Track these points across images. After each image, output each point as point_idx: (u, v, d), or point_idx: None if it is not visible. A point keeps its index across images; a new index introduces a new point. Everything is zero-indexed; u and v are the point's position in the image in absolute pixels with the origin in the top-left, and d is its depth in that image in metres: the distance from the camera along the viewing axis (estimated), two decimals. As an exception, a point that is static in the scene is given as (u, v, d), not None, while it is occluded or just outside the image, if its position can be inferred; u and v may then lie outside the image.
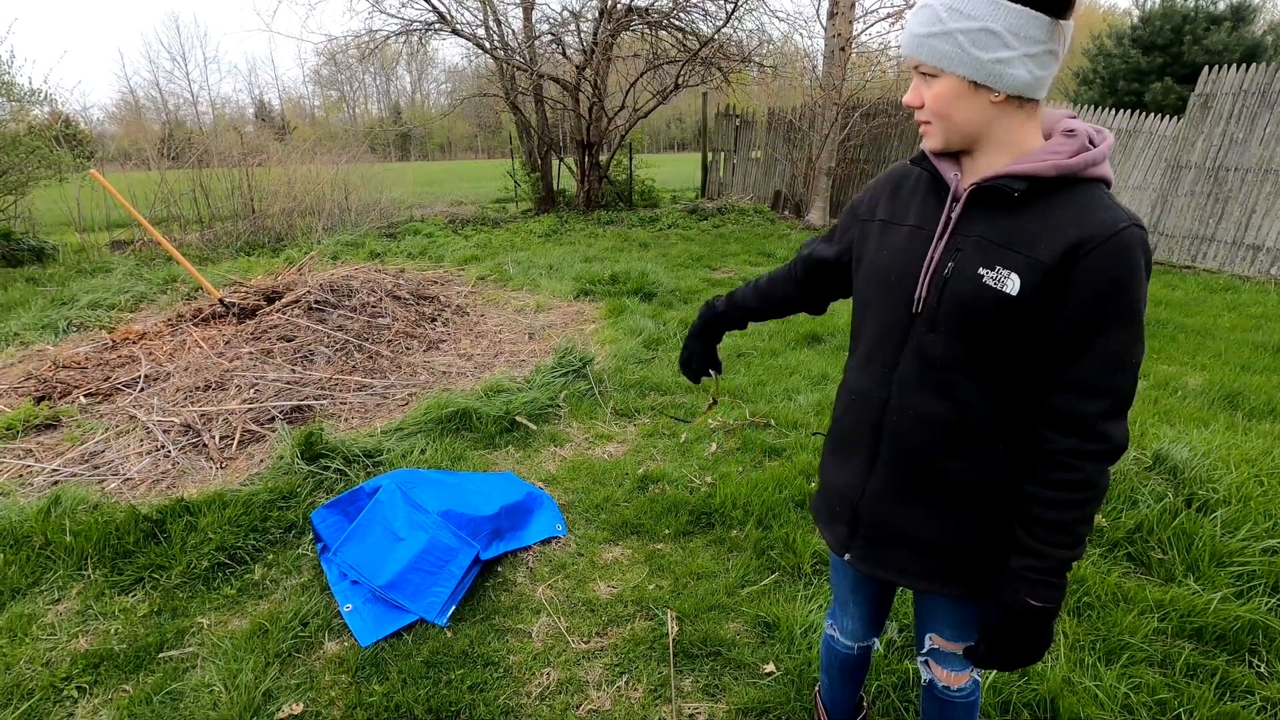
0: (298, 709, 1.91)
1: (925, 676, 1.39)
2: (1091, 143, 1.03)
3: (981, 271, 1.02)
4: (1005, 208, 1.03)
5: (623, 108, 11.90)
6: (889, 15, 10.24)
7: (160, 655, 2.13)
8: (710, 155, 14.33)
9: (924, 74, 1.03)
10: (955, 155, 1.09)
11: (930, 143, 1.07)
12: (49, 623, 2.29)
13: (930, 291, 1.07)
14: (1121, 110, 8.55)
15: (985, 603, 1.14)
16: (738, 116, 13.51)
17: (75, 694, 1.99)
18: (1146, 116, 8.32)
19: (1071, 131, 1.04)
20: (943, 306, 1.06)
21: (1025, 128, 1.03)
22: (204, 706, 1.93)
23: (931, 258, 1.07)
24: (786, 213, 12.01)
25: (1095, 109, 8.78)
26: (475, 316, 5.83)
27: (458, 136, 51.61)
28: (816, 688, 1.69)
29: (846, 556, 1.27)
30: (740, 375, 4.31)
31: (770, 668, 2.02)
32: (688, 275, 7.28)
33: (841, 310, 5.68)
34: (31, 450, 3.46)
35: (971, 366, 1.06)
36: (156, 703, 1.95)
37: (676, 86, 11.51)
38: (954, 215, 1.06)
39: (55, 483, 3.13)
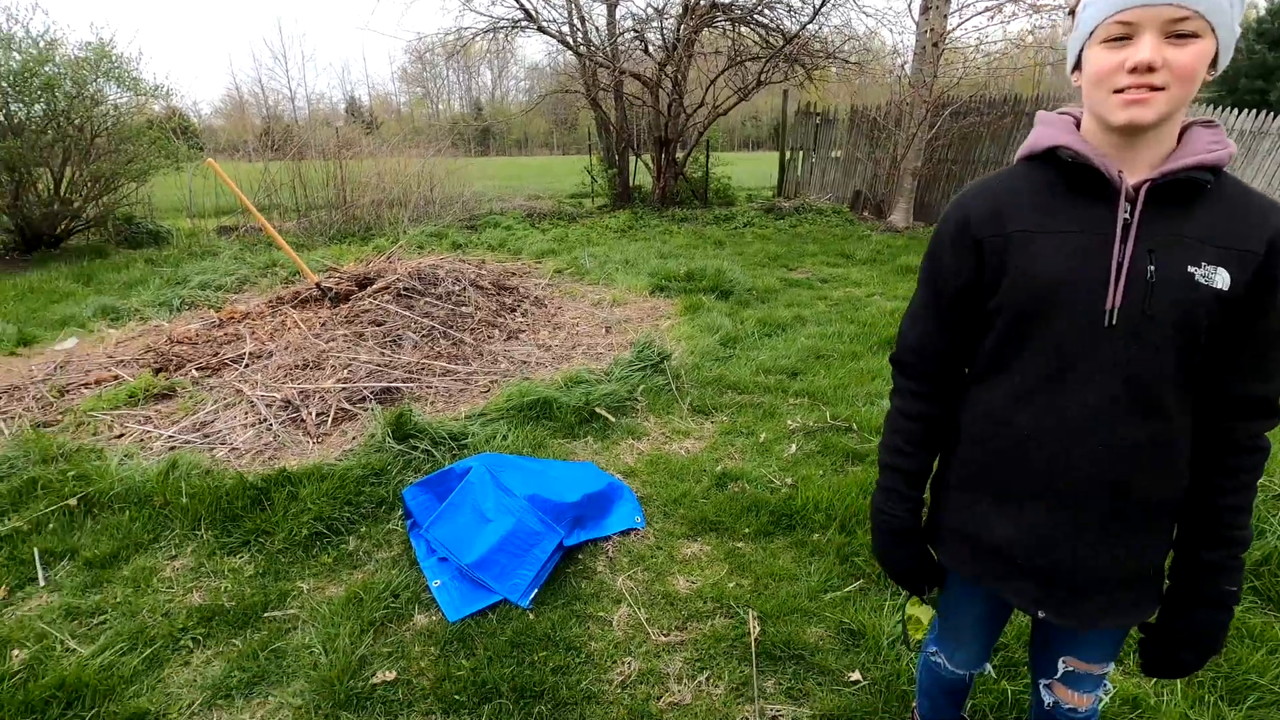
0: (390, 676, 1.99)
1: (1047, 700, 1.31)
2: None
3: (1191, 270, 0.96)
4: (1182, 202, 0.98)
5: (702, 104, 11.84)
6: (987, 9, 9.79)
7: (265, 615, 2.26)
8: (788, 154, 14.09)
9: (1180, 33, 0.91)
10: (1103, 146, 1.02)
11: (1148, 112, 0.93)
12: (167, 576, 2.46)
13: (1128, 300, 0.98)
14: (1245, 111, 7.89)
15: (1170, 610, 1.13)
16: (818, 114, 13.23)
17: (191, 644, 2.14)
18: (1275, 117, 7.65)
19: (1210, 122, 1.02)
20: (1152, 314, 0.97)
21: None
22: (305, 666, 2.03)
23: (1120, 263, 0.98)
24: (866, 214, 11.68)
25: (1214, 108, 8.14)
26: (553, 308, 5.93)
27: (534, 133, 52.63)
28: (914, 705, 1.63)
29: (1041, 614, 1.13)
30: (821, 377, 4.22)
31: (856, 676, 1.97)
32: (764, 274, 7.18)
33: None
34: (151, 417, 3.73)
35: (1179, 375, 1.00)
36: (263, 659, 2.07)
37: (759, 83, 11.36)
38: (1135, 214, 0.98)
39: (172, 448, 3.37)
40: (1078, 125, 1.07)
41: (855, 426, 3.53)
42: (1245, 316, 0.98)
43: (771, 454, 3.31)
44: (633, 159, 13.21)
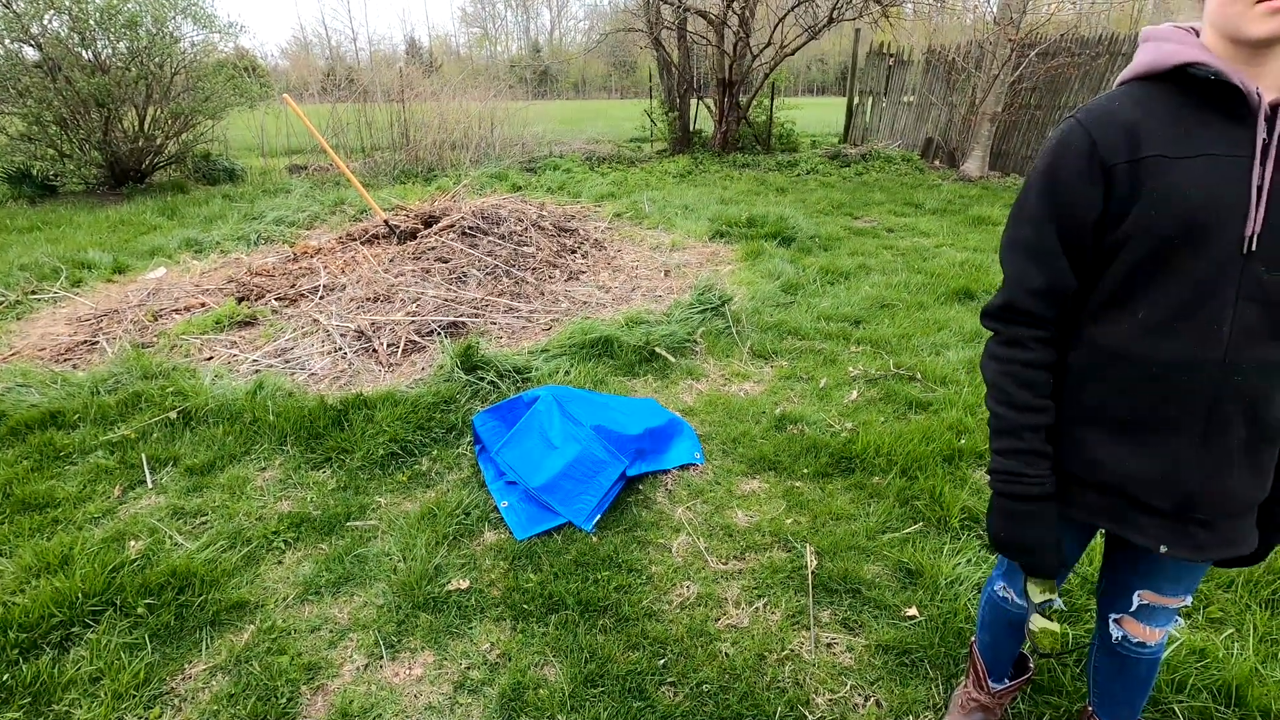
0: (464, 584, 2.12)
1: (1115, 635, 1.32)
2: None
3: None
4: None
5: (768, 44, 11.37)
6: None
7: (348, 524, 2.42)
8: (857, 98, 13.48)
9: None
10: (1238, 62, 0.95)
11: None
12: (259, 485, 2.65)
13: (1268, 225, 0.94)
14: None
15: None
16: (891, 55, 12.54)
17: (283, 546, 2.32)
18: None
19: None
20: None
21: None
22: (386, 570, 2.19)
23: (1261, 186, 0.94)
24: (938, 162, 11.14)
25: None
26: (612, 251, 5.93)
27: (592, 76, 51.66)
28: (973, 640, 1.64)
29: (1164, 550, 1.10)
30: (885, 326, 4.14)
31: (912, 611, 2.00)
32: (828, 222, 6.99)
33: (995, 268, 5.26)
34: (236, 342, 3.96)
35: None
36: (348, 562, 2.23)
37: (830, 21, 10.81)
38: (1275, 134, 0.93)
39: (256, 371, 3.58)
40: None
41: (920, 376, 3.47)
42: None
43: (831, 399, 3.29)
44: (694, 102, 12.86)
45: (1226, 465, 1.05)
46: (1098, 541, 1.91)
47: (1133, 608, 1.27)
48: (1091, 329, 1.10)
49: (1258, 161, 0.94)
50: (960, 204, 7.88)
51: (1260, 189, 0.94)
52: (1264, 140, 0.94)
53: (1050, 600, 1.23)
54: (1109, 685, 1.41)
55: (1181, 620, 1.30)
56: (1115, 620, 1.31)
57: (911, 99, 12.32)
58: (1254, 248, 0.95)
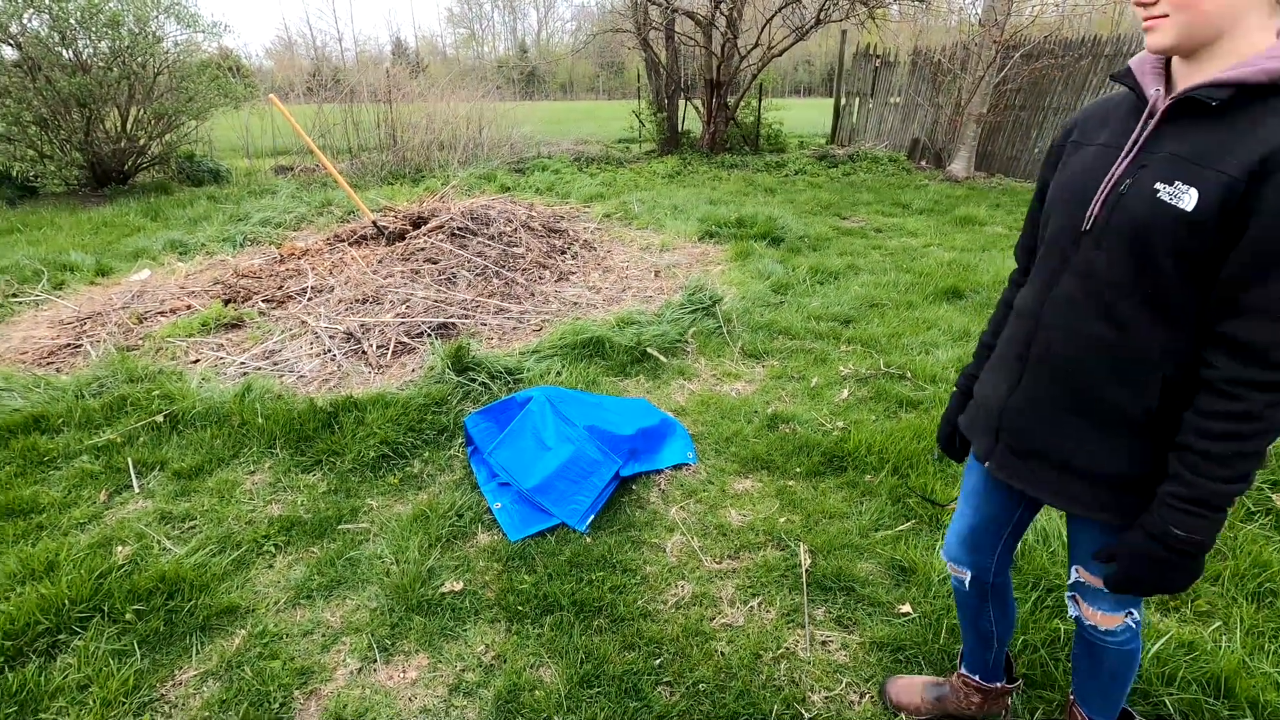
0: (458, 586, 2.11)
1: (1072, 612, 1.35)
2: None
3: (1158, 187, 0.98)
4: (1204, 121, 0.97)
5: (756, 45, 11.41)
6: (1070, -60, 9.08)
7: (339, 527, 2.40)
8: (844, 99, 13.55)
9: None
10: (1165, 69, 1.04)
11: (1159, 39, 0.97)
12: (248, 489, 2.63)
13: (1102, 209, 1.05)
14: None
15: (1127, 527, 1.12)
16: (878, 57, 12.62)
17: (273, 550, 2.30)
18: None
19: None
20: (1111, 224, 1.03)
21: (1265, 30, 0.94)
22: (379, 573, 2.17)
23: (1112, 175, 1.04)
24: (924, 163, 11.23)
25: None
26: (602, 252, 5.93)
27: (579, 77, 51.58)
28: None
29: (987, 464, 1.30)
30: (874, 325, 4.17)
31: (906, 609, 2.01)
32: (816, 222, 7.02)
33: (982, 267, 5.32)
34: (223, 344, 3.91)
35: (1137, 287, 1.02)
36: (340, 565, 2.21)
37: (817, 22, 10.86)
38: (1145, 132, 1.02)
39: (244, 374, 3.54)
40: None
41: (910, 374, 3.50)
42: (1219, 244, 0.94)
43: (823, 398, 3.31)
44: (682, 103, 12.88)
45: (1035, 409, 1.18)
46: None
47: (1071, 580, 1.31)
48: None
49: (1124, 152, 1.04)
50: (947, 204, 7.94)
51: (1112, 176, 1.04)
52: (1139, 134, 1.03)
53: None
54: (1083, 676, 1.44)
55: (1136, 613, 1.30)
56: (1071, 597, 1.34)
57: (898, 100, 12.41)
58: (1089, 227, 1.07)
